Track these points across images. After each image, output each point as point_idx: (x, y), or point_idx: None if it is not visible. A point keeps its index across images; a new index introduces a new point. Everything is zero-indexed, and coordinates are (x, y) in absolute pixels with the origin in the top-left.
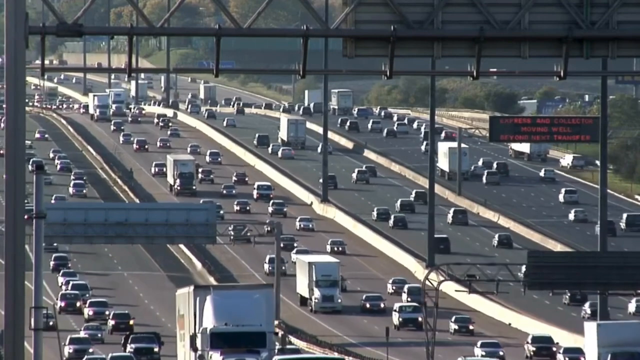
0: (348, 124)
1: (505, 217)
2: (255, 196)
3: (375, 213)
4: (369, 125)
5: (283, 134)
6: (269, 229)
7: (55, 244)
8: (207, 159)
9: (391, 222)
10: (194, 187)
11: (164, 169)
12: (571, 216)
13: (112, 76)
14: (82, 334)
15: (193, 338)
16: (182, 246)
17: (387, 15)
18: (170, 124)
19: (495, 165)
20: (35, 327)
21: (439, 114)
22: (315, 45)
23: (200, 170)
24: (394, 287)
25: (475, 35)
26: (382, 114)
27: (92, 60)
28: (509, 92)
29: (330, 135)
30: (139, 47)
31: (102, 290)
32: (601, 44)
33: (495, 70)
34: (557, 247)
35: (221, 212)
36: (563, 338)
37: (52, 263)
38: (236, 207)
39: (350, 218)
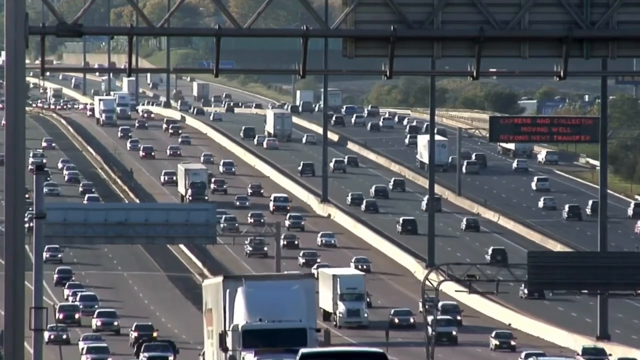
0: (334, 118)
1: (506, 217)
2: (271, 208)
3: (349, 198)
4: (353, 120)
5: (269, 127)
6: (271, 229)
7: (60, 255)
8: (221, 169)
9: (363, 206)
10: (206, 198)
11: (174, 178)
12: (540, 203)
13: (97, 74)
14: (81, 344)
15: (223, 336)
16: (182, 246)
17: (387, 15)
18: (180, 131)
19: (474, 157)
20: (35, 327)
21: (439, 114)
22: (315, 45)
23: (212, 180)
24: (426, 306)
25: (475, 35)
26: (368, 111)
27: (92, 61)
28: (509, 92)
29: (316, 128)
30: (139, 47)
31: (108, 302)
32: (601, 44)
33: (495, 70)
34: (557, 247)
35: (236, 224)
36: (562, 338)
37: (55, 276)
38: (250, 219)
39: (350, 218)
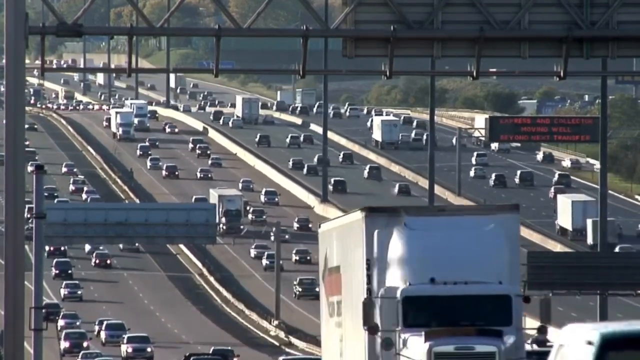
0: (299, 108)
1: None
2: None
3: (290, 163)
4: (315, 109)
5: (238, 111)
6: (268, 228)
7: (79, 292)
8: (263, 198)
9: (305, 170)
10: (241, 227)
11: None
12: (472, 173)
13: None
14: None
15: (367, 307)
16: (182, 246)
17: (387, 15)
18: (209, 151)
19: (425, 136)
20: (35, 327)
21: (439, 114)
22: (315, 45)
23: (249, 209)
24: None
25: (475, 35)
26: (347, 106)
27: (92, 60)
28: (508, 92)
29: (283, 116)
30: (139, 47)
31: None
32: (601, 44)
33: (495, 70)
34: (557, 247)
35: (280, 262)
36: None
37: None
38: (295, 257)
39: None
